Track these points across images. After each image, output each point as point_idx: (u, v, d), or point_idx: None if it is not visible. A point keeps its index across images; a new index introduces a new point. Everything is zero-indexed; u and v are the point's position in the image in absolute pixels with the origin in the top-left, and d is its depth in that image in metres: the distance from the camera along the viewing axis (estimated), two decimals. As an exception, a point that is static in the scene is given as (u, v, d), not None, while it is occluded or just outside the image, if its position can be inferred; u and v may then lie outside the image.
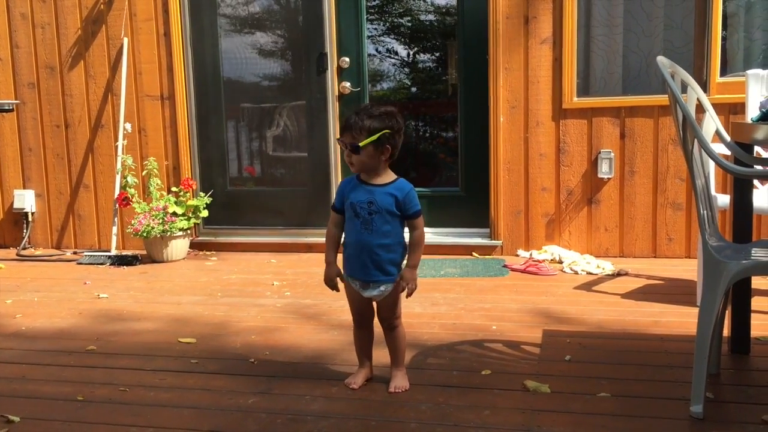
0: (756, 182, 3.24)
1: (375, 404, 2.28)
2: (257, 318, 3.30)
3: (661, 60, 2.14)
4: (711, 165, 2.50)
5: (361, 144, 2.22)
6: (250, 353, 2.79)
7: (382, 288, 2.31)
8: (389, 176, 2.30)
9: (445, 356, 2.70)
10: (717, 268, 2.06)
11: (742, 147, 2.41)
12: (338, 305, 3.36)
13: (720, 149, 2.64)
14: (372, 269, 2.29)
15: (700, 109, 2.35)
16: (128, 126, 4.85)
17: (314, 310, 3.40)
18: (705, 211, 2.14)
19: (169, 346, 2.92)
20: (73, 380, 2.57)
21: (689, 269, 3.90)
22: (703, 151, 2.10)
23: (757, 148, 2.74)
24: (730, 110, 4.05)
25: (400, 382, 2.39)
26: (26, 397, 2.43)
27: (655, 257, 4.30)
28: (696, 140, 2.04)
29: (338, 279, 2.36)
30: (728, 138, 2.42)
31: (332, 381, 2.47)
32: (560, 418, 2.15)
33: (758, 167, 2.51)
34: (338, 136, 2.27)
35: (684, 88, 2.24)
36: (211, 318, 3.32)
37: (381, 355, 2.50)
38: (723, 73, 4.17)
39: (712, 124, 2.35)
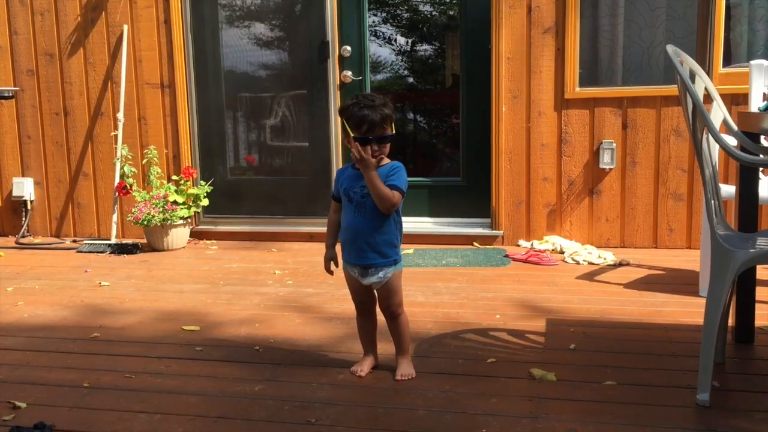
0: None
1: (382, 392, 2.29)
2: (260, 306, 3.29)
3: (671, 48, 2.14)
4: (716, 154, 2.51)
5: (394, 132, 2.28)
6: (255, 341, 2.79)
7: (380, 274, 2.32)
8: (386, 160, 2.31)
9: (450, 345, 2.71)
10: (725, 257, 2.06)
11: (748, 136, 2.42)
12: (341, 294, 3.37)
13: (726, 139, 2.63)
14: (369, 252, 2.30)
15: (707, 99, 2.35)
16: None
17: (317, 298, 3.40)
18: (713, 201, 2.14)
19: (173, 333, 2.92)
20: (78, 367, 2.57)
21: (690, 259, 3.91)
22: (711, 140, 2.10)
23: (762, 138, 2.74)
24: (732, 101, 4.05)
25: (406, 369, 2.39)
26: (32, 383, 2.42)
27: (656, 248, 4.31)
28: (705, 129, 2.04)
29: (332, 263, 2.42)
30: (735, 127, 2.42)
31: (338, 369, 2.47)
32: (567, 405, 2.15)
33: (762, 156, 2.51)
34: (354, 135, 2.26)
35: (692, 77, 2.24)
36: (214, 306, 3.32)
37: (386, 343, 2.50)
38: (726, 64, 4.17)
39: (719, 113, 2.35)
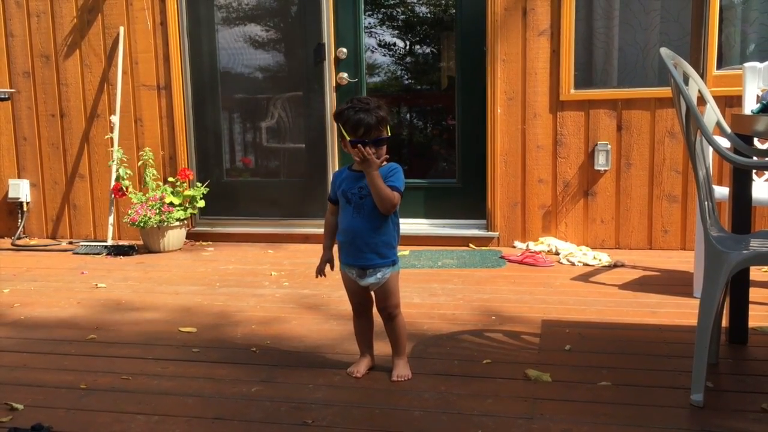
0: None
1: (378, 393, 2.30)
2: (257, 308, 3.30)
3: (664, 51, 2.16)
4: (709, 156, 2.53)
5: (390, 134, 2.29)
6: (252, 342, 2.80)
7: (378, 275, 2.33)
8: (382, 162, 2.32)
9: (445, 346, 2.72)
10: (718, 259, 2.08)
11: (742, 138, 2.43)
12: (337, 295, 3.38)
13: (719, 141, 2.65)
14: (367, 253, 2.31)
15: (701, 101, 2.37)
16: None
17: (313, 300, 3.41)
18: (707, 202, 2.16)
19: (169, 335, 2.93)
20: (75, 369, 2.58)
21: (685, 261, 3.93)
22: (704, 141, 2.12)
23: (755, 140, 2.76)
24: (726, 103, 4.08)
25: (402, 370, 2.40)
26: (29, 385, 2.42)
27: (650, 249, 4.33)
28: (698, 131, 2.06)
29: (327, 265, 2.43)
30: (728, 129, 2.44)
31: (334, 370, 2.48)
32: (562, 406, 2.17)
33: (755, 158, 2.53)
34: (350, 138, 2.27)
35: (685, 79, 2.26)
36: (211, 308, 3.32)
37: (383, 344, 2.51)
38: (718, 66, 4.20)
39: (712, 115, 2.37)
